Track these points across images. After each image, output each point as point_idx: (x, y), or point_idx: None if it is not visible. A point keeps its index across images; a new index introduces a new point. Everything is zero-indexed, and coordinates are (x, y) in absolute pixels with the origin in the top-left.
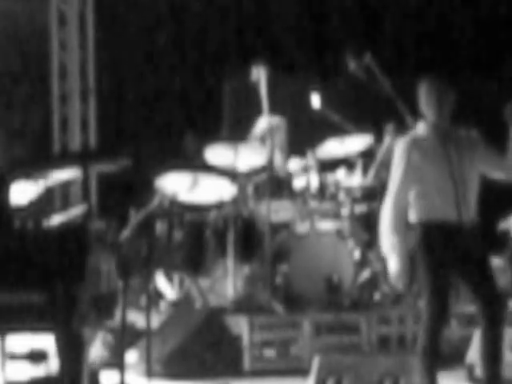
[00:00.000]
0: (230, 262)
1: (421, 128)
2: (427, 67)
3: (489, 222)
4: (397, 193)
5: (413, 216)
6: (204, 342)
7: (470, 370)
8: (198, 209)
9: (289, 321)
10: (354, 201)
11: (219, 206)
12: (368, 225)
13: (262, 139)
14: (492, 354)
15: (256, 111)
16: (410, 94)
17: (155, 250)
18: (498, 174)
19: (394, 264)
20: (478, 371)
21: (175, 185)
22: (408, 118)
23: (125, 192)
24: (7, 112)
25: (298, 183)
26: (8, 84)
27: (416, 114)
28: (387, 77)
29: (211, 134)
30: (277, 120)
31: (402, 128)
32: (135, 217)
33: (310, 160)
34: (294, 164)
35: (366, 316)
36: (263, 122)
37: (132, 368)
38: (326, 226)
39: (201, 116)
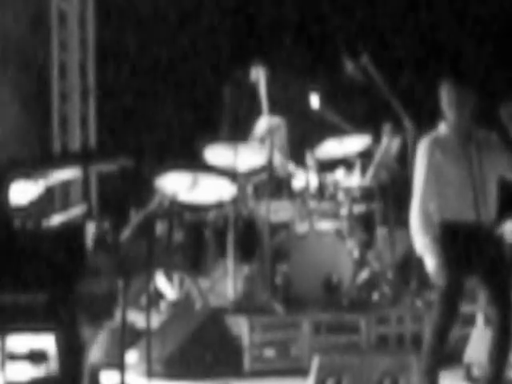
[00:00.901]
0: (229, 262)
1: (442, 128)
2: (426, 68)
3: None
4: (422, 193)
5: (435, 215)
6: (204, 342)
7: (468, 370)
8: (198, 209)
9: (289, 321)
10: (353, 201)
11: (219, 205)
12: (367, 225)
13: (262, 140)
14: (500, 354)
15: (256, 112)
16: (409, 94)
17: (155, 250)
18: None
19: (430, 262)
20: (476, 371)
21: (175, 185)
22: (405, 118)
23: (125, 192)
24: (7, 112)
25: (298, 183)
26: (8, 83)
27: (414, 114)
28: (384, 77)
29: (211, 134)
30: (277, 120)
31: (399, 128)
32: (135, 217)
33: (309, 160)
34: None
35: (365, 316)
36: (263, 123)
37: (132, 368)
38: (325, 225)
39: (201, 116)
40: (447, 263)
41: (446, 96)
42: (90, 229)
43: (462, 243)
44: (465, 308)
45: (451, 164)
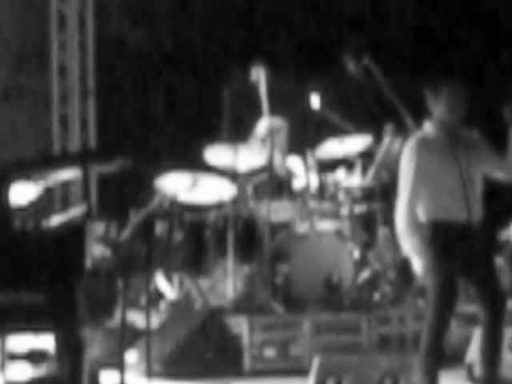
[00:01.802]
0: (229, 262)
1: (428, 128)
2: (425, 68)
3: (489, 227)
4: (410, 194)
5: (422, 215)
6: (204, 341)
7: (470, 370)
8: (198, 209)
9: (289, 321)
10: (354, 201)
11: (219, 205)
12: (368, 225)
13: (263, 141)
14: (492, 352)
15: (256, 112)
16: (409, 94)
17: (155, 250)
18: (498, 174)
19: (417, 264)
20: (478, 371)
21: (175, 185)
22: (407, 118)
23: (125, 192)
24: (7, 111)
25: (298, 183)
26: (8, 83)
27: (414, 114)
28: (386, 77)
29: (211, 134)
30: (278, 121)
31: (400, 128)
32: (135, 217)
33: (310, 160)
34: (295, 163)
35: (366, 316)
36: (264, 124)
37: (132, 368)
38: (326, 226)
39: (201, 117)
40: (440, 263)
41: (437, 95)
42: (99, 229)
43: (454, 243)
44: (467, 308)
45: (439, 164)
